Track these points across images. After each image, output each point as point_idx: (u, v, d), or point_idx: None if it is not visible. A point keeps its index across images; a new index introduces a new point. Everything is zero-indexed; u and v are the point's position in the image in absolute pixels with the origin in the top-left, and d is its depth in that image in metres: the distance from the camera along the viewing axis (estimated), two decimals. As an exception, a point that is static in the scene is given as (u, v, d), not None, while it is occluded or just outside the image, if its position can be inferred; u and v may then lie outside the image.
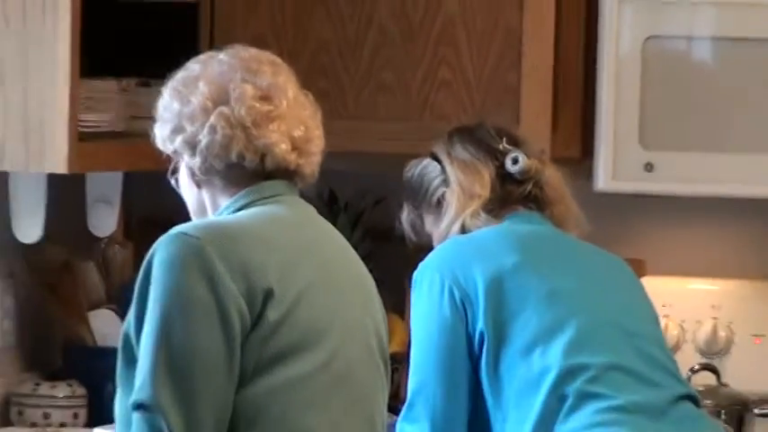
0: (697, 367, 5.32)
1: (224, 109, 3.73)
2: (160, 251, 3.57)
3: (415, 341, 4.32)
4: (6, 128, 4.71)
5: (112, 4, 5.25)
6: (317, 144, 3.80)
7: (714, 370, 5.36)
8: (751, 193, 5.37)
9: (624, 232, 5.62)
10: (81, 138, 4.67)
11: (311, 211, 3.92)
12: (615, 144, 5.31)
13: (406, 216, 4.56)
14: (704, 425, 4.17)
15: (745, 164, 5.28)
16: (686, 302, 5.65)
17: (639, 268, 5.23)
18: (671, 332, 5.49)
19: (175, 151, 3.77)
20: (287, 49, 5.13)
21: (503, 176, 4.35)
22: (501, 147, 4.40)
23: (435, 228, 4.47)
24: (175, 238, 3.59)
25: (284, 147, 3.77)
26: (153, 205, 5.43)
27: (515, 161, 4.36)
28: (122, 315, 4.21)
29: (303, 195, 3.86)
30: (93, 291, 5.42)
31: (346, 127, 5.01)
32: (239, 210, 3.77)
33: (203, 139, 3.73)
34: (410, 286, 4.37)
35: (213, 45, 5.08)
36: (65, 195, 5.20)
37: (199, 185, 3.80)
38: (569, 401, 3.98)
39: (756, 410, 5.27)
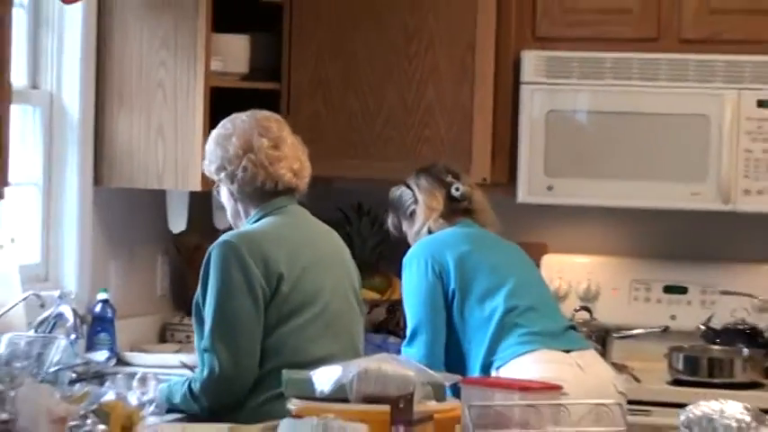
0: (578, 308, 5.79)
1: (251, 155, 4.49)
2: (214, 251, 4.41)
3: (410, 299, 5.01)
4: (165, 163, 5.30)
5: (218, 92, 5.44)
6: (307, 171, 4.62)
7: (588, 310, 5.79)
8: (614, 204, 5.71)
9: (534, 227, 5.94)
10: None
11: (306, 213, 4.70)
12: (529, 174, 5.70)
13: (390, 221, 5.26)
14: (581, 342, 5.01)
15: (612, 186, 5.61)
16: (572, 269, 5.98)
17: (543, 249, 5.95)
18: (563, 287, 5.93)
19: (220, 180, 4.58)
20: (332, 116, 5.76)
21: (450, 198, 5.10)
22: (448, 179, 5.10)
23: (410, 230, 5.18)
24: (223, 243, 4.42)
25: (289, 176, 4.55)
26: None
27: (457, 189, 5.08)
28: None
29: (307, 202, 4.65)
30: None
31: (368, 163, 5.51)
32: (261, 218, 4.55)
33: (239, 174, 4.49)
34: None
35: (288, 113, 5.66)
36: (199, 203, 5.61)
37: (235, 200, 4.61)
38: (506, 329, 4.83)
39: (614, 335, 5.67)
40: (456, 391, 3.98)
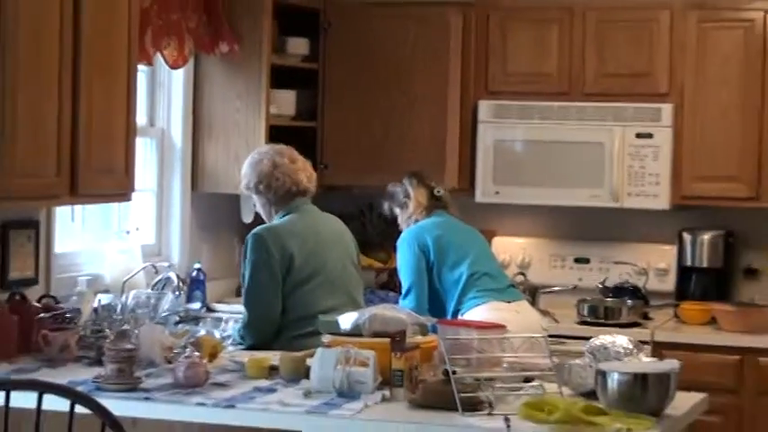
0: (516, 273, 5.64)
1: (278, 169, 4.41)
2: (250, 239, 4.33)
3: (403, 268, 4.86)
4: (238, 176, 4.73)
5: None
6: (315, 178, 4.50)
7: (524, 274, 5.67)
8: (541, 203, 5.58)
9: (487, 219, 5.65)
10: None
11: (315, 210, 4.53)
12: (483, 183, 5.55)
13: (387, 207, 5.05)
14: (518, 296, 4.88)
15: (539, 191, 5.49)
16: (513, 247, 5.79)
17: (493, 233, 5.72)
18: (507, 259, 5.70)
19: (256, 192, 4.46)
20: (352, 144, 5.62)
21: (430, 196, 4.95)
22: (432, 183, 4.95)
23: (401, 215, 4.99)
24: (255, 234, 4.34)
25: (305, 181, 4.46)
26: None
27: (438, 191, 4.96)
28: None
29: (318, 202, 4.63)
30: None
31: (377, 176, 5.25)
32: (285, 215, 4.42)
33: (273, 183, 4.40)
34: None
35: (323, 155, 5.66)
36: None
37: (270, 205, 4.46)
38: (468, 288, 4.75)
39: (540, 291, 5.55)
40: (434, 329, 3.97)
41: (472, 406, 3.26)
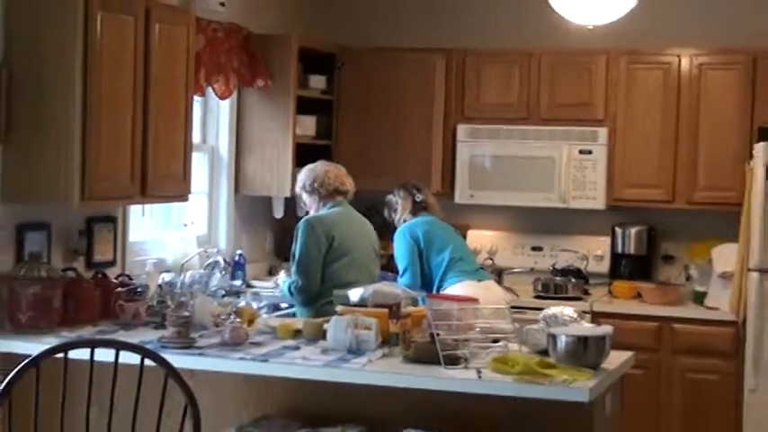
0: (486, 257, 5.52)
1: (327, 175, 4.44)
2: (301, 224, 4.32)
3: (400, 254, 4.76)
4: (272, 182, 5.20)
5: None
6: (352, 183, 4.50)
7: (492, 259, 5.53)
8: (505, 204, 5.48)
9: (463, 216, 5.53)
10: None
11: (350, 207, 4.51)
12: (460, 188, 5.48)
13: (387, 214, 4.92)
14: (488, 276, 4.87)
15: (504, 195, 5.44)
16: (483, 238, 5.65)
17: (468, 228, 5.60)
18: (478, 247, 5.55)
19: (309, 192, 4.44)
20: (362, 159, 5.42)
21: (413, 202, 4.87)
22: (413, 192, 4.87)
23: (394, 217, 4.90)
24: (306, 221, 4.33)
25: (347, 184, 4.48)
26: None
27: (417, 198, 4.86)
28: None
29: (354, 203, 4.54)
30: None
31: (381, 182, 5.11)
32: (329, 208, 4.41)
33: (324, 183, 4.42)
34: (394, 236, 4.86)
35: (338, 158, 5.35)
36: (288, 203, 5.31)
37: (318, 201, 4.44)
38: (449, 270, 4.69)
39: (505, 272, 5.49)
40: (423, 301, 3.95)
41: (452, 361, 3.27)
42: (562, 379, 3.13)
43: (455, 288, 4.60)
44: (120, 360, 2.55)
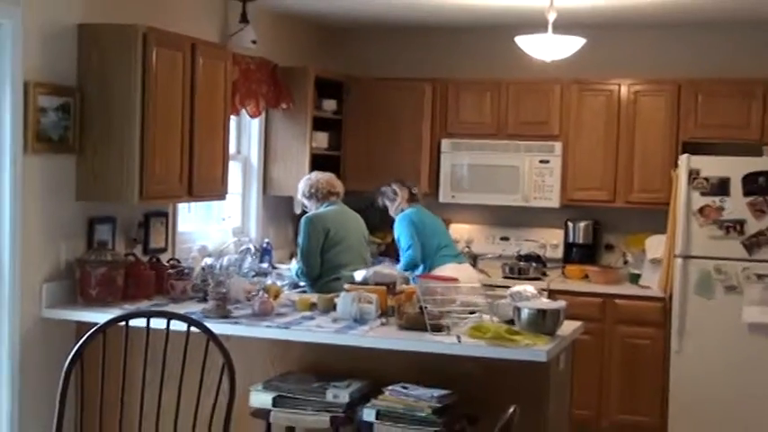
0: (465, 246, 5.43)
1: (320, 182, 4.45)
2: (303, 220, 4.34)
3: (403, 236, 4.72)
4: (292, 185, 4.90)
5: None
6: (342, 188, 4.50)
7: (469, 247, 5.45)
8: (480, 203, 5.42)
9: (446, 212, 5.44)
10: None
11: (343, 205, 4.48)
12: (443, 190, 5.41)
13: (380, 201, 4.92)
14: (465, 260, 4.94)
15: (479, 195, 5.37)
16: (462, 230, 5.56)
17: (450, 221, 5.53)
18: (458, 237, 5.44)
19: (308, 198, 4.47)
20: (364, 165, 5.45)
21: (410, 194, 4.88)
22: (410, 185, 4.89)
23: (391, 207, 4.89)
24: (306, 217, 4.35)
25: (338, 187, 4.48)
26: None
27: (414, 191, 4.90)
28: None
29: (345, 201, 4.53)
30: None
31: (378, 184, 4.98)
32: (325, 207, 4.41)
33: (318, 189, 4.43)
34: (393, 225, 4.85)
35: (345, 172, 5.44)
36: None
37: (317, 203, 4.45)
38: (436, 254, 4.72)
39: (479, 258, 5.43)
40: (415, 281, 3.99)
41: (437, 328, 3.28)
42: (525, 343, 3.14)
43: (442, 268, 4.56)
44: (171, 327, 2.54)
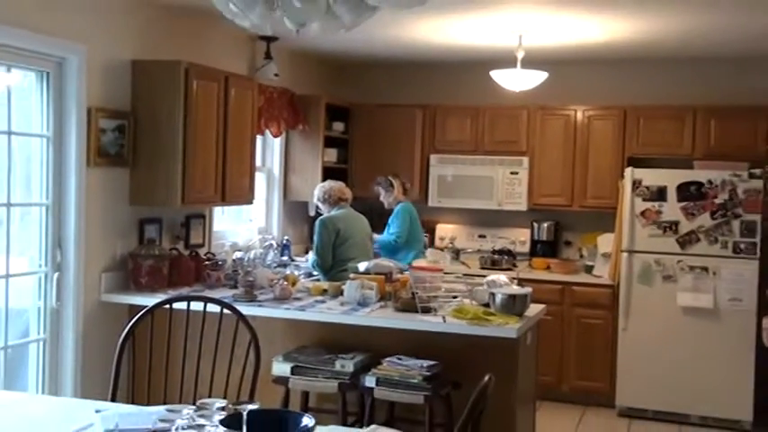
0: (449, 242, 5.42)
1: (333, 190, 4.31)
2: (318, 221, 4.20)
3: (402, 222, 4.62)
4: (307, 191, 4.86)
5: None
6: (351, 195, 4.35)
7: (453, 243, 5.39)
8: (461, 207, 5.31)
9: (435, 214, 5.44)
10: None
11: (351, 209, 4.33)
12: (431, 196, 5.30)
13: (376, 190, 4.76)
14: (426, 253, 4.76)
15: (460, 200, 5.27)
16: (448, 230, 5.47)
17: (437, 222, 5.48)
18: (443, 235, 5.46)
19: (322, 203, 4.30)
20: (368, 176, 5.24)
21: (404, 188, 4.81)
22: (404, 180, 4.82)
23: (387, 197, 4.80)
24: (321, 219, 4.22)
25: (347, 194, 4.35)
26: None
27: (408, 186, 4.84)
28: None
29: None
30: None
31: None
32: (336, 211, 4.27)
33: (331, 196, 4.30)
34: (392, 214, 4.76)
35: (352, 182, 5.27)
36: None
37: (329, 207, 4.30)
38: (413, 245, 4.64)
39: (461, 252, 5.27)
40: (408, 271, 3.84)
41: (426, 310, 3.26)
42: (498, 323, 3.12)
43: (418, 261, 4.46)
44: (207, 310, 2.52)
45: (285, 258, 4.88)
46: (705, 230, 4.52)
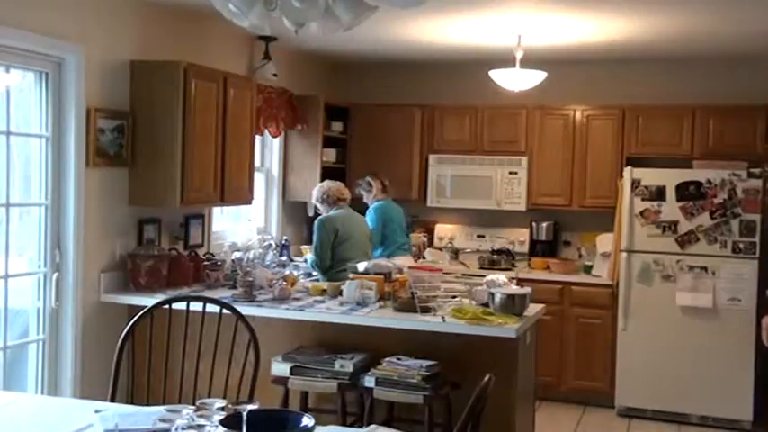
0: (448, 241, 5.41)
1: (332, 190, 4.28)
2: (317, 221, 4.17)
3: (376, 223, 4.56)
4: (306, 191, 4.87)
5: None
6: (349, 195, 4.32)
7: (452, 243, 5.39)
8: (459, 207, 5.30)
9: (433, 215, 5.47)
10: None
11: (350, 209, 4.30)
12: (430, 196, 5.30)
13: (357, 191, 4.69)
14: (410, 253, 4.81)
15: (458, 200, 5.27)
16: (447, 230, 5.51)
17: (436, 222, 5.50)
18: (443, 236, 5.44)
19: (321, 203, 4.27)
20: (363, 176, 5.12)
21: (382, 187, 4.76)
22: (383, 179, 4.77)
23: (367, 196, 4.73)
24: (319, 219, 4.18)
25: (346, 195, 4.31)
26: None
27: (386, 184, 4.78)
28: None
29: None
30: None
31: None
32: (335, 211, 4.23)
33: (330, 196, 4.26)
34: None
35: (350, 182, 5.08)
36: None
37: (328, 207, 4.26)
38: (395, 244, 4.62)
39: (460, 252, 5.33)
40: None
41: (425, 310, 3.26)
42: (498, 322, 3.12)
43: (394, 260, 4.33)
44: (206, 309, 2.52)
45: (284, 258, 4.87)
46: (704, 230, 4.53)
